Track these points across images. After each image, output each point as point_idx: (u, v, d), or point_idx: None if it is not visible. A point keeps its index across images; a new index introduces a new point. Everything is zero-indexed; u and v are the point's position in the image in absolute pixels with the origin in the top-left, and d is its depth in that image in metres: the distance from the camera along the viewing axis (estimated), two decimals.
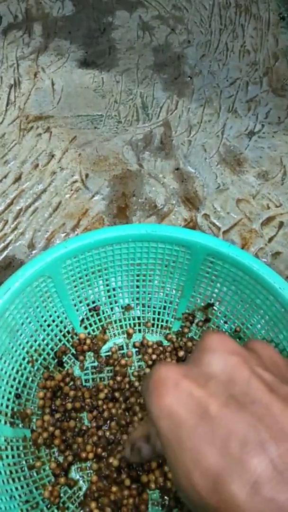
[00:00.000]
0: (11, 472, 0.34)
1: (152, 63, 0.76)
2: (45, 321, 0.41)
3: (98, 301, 0.44)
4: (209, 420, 0.18)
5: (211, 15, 0.86)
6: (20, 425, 0.37)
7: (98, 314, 0.45)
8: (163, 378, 0.20)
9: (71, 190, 0.59)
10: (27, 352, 0.40)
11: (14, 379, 0.38)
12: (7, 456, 0.35)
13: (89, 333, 0.44)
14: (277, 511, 0.16)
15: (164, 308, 0.45)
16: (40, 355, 0.41)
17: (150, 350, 0.43)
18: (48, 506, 0.35)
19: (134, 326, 0.45)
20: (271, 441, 0.17)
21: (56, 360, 0.42)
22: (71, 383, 0.41)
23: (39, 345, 0.41)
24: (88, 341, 0.43)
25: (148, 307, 0.45)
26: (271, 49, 0.80)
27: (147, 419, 0.26)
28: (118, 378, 0.41)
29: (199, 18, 0.85)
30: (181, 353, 0.42)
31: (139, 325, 0.45)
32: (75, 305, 0.43)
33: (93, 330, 0.44)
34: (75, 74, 0.74)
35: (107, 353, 0.44)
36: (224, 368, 0.19)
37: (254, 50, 0.80)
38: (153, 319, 0.45)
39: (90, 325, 0.44)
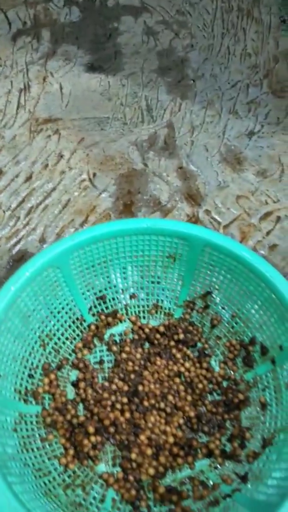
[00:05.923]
0: (24, 444, 0.38)
1: (156, 67, 0.80)
2: (55, 308, 0.44)
3: (105, 290, 0.48)
4: None
5: (214, 19, 0.89)
6: (33, 402, 0.41)
7: (105, 302, 0.48)
8: None
9: (80, 188, 0.62)
10: (39, 337, 0.43)
11: (27, 361, 0.41)
12: (21, 429, 0.38)
13: (96, 320, 0.48)
14: None
15: (167, 297, 0.48)
16: (51, 339, 0.44)
17: (153, 335, 0.46)
18: (59, 474, 0.38)
19: (139, 313, 0.48)
20: None
21: (66, 345, 0.45)
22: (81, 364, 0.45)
23: (50, 330, 0.44)
24: (93, 327, 0.47)
25: (152, 295, 0.49)
26: (271, 52, 0.83)
27: None
28: (122, 366, 0.44)
29: (202, 23, 0.88)
30: (181, 336, 0.45)
31: (144, 312, 0.48)
32: (83, 294, 0.46)
33: (100, 317, 0.48)
34: (83, 78, 0.77)
35: (115, 338, 0.47)
36: None
37: (255, 53, 0.83)
38: (157, 307, 0.48)
39: (98, 312, 0.48)
